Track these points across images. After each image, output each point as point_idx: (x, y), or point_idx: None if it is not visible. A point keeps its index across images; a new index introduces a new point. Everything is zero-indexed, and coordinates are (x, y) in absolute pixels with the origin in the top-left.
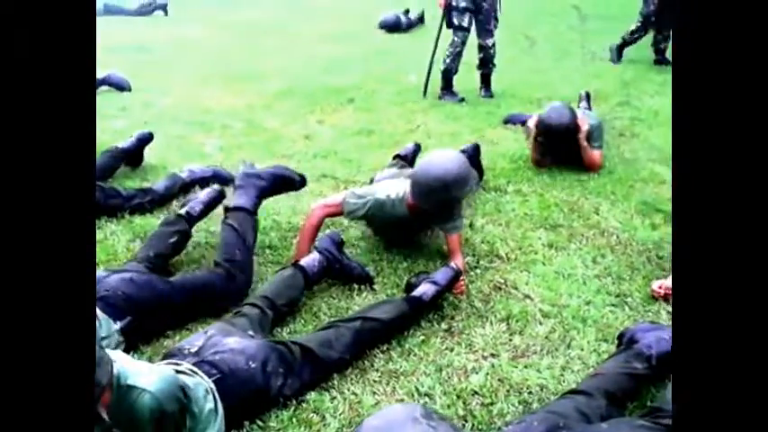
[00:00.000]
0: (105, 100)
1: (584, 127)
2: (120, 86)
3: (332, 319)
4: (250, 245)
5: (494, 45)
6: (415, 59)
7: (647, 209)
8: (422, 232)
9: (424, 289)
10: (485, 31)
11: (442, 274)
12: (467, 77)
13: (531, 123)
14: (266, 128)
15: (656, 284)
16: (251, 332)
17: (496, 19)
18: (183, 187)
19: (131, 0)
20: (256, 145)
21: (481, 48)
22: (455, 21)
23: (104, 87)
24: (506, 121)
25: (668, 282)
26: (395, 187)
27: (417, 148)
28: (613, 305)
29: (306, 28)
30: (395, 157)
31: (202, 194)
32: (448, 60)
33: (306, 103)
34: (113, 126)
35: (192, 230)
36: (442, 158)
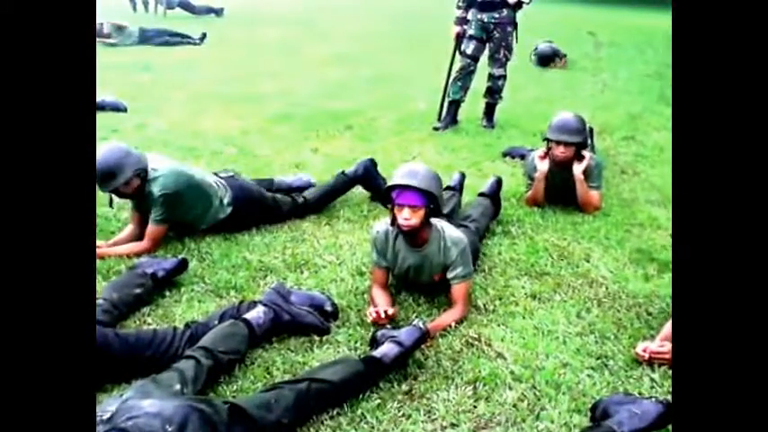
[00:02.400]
0: (98, 120)
1: (585, 161)
2: (116, 108)
3: (278, 380)
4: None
5: (503, 77)
6: (423, 84)
7: (642, 257)
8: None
9: (386, 349)
10: (494, 60)
11: (407, 334)
12: (471, 107)
13: (535, 157)
14: (257, 155)
15: (640, 347)
16: (177, 386)
17: (509, 50)
18: None
19: None
20: (244, 173)
21: (490, 77)
22: (463, 47)
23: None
24: (505, 155)
25: (654, 345)
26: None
27: (463, 178)
28: (592, 368)
29: (316, 49)
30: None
31: (166, 261)
32: (455, 88)
33: (303, 128)
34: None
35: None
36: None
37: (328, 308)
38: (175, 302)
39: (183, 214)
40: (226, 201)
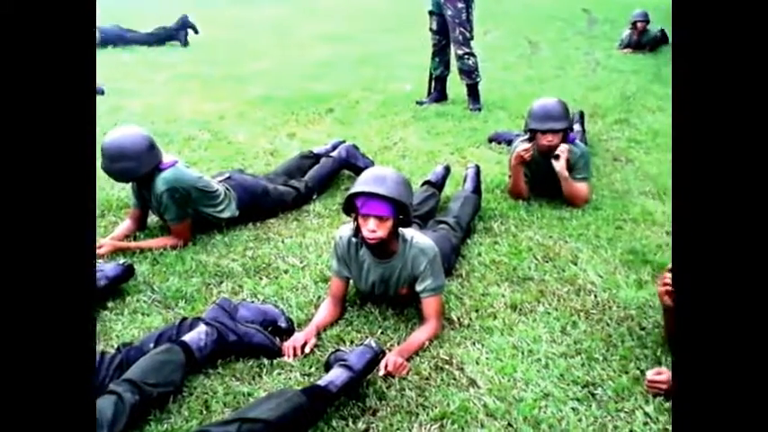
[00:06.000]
0: None
1: (564, 155)
2: None
3: (216, 416)
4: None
5: (468, 55)
6: (412, 64)
7: (635, 259)
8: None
9: (333, 376)
10: (453, 40)
11: (357, 357)
12: (459, 89)
13: (518, 144)
14: (231, 141)
15: (651, 373)
16: None
17: (465, 27)
18: None
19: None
20: (215, 160)
21: (456, 57)
22: (428, 24)
23: None
24: (491, 140)
25: (660, 370)
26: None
27: (447, 172)
28: (578, 399)
29: (306, 28)
30: (424, 184)
31: (109, 268)
32: (434, 64)
33: (282, 111)
34: None
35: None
36: None
37: (282, 324)
38: (116, 316)
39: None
40: (234, 204)
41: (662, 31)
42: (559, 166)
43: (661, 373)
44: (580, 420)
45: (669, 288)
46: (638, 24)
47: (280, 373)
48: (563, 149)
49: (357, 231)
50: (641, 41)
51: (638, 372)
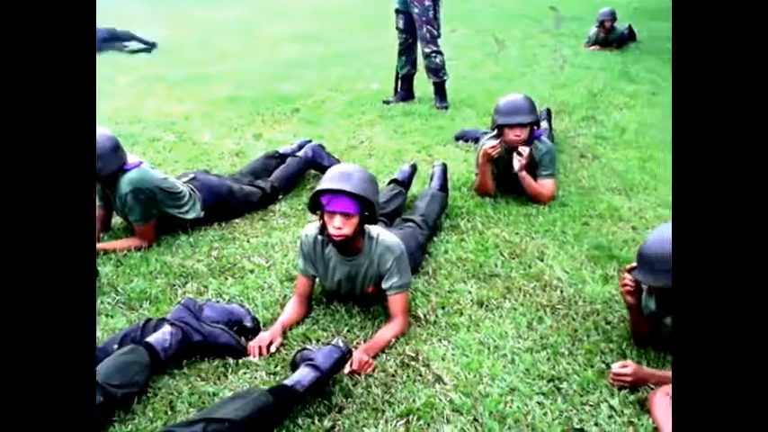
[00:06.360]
0: None
1: (525, 154)
2: None
3: (181, 416)
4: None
5: (435, 53)
6: (379, 63)
7: (601, 255)
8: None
9: (300, 375)
10: (420, 38)
11: (323, 356)
12: (426, 88)
13: (486, 141)
14: (196, 142)
15: (616, 366)
16: None
17: (432, 25)
18: None
19: None
20: (180, 162)
21: (424, 56)
22: (395, 22)
23: None
24: (458, 138)
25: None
26: None
27: (413, 170)
28: (543, 394)
29: (272, 28)
30: (390, 182)
31: None
32: (400, 63)
33: (248, 112)
34: None
35: None
36: None
37: (248, 323)
38: None
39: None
40: (199, 205)
41: (629, 28)
42: (517, 167)
43: (626, 366)
44: (545, 414)
45: (630, 288)
46: (606, 23)
47: (245, 373)
48: (525, 150)
49: (323, 229)
50: (608, 39)
51: (603, 365)
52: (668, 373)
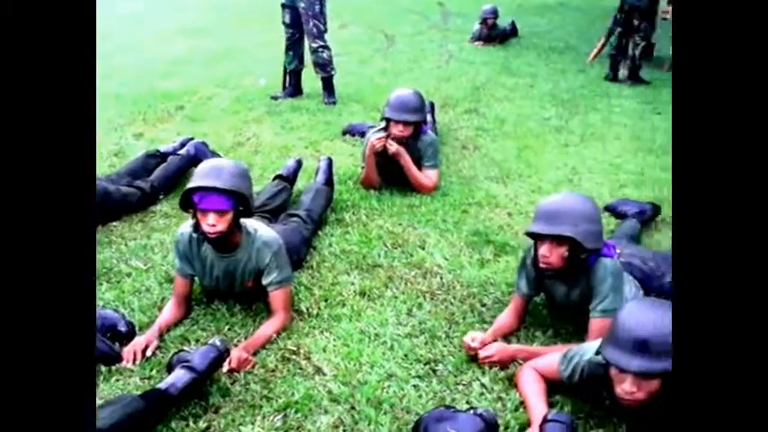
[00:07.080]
0: None
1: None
2: None
3: None
4: None
5: (322, 48)
6: (268, 59)
7: (478, 240)
8: None
9: (174, 378)
10: (307, 33)
11: (200, 357)
12: (313, 83)
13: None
14: None
15: (469, 337)
16: None
17: (318, 19)
18: None
19: None
20: None
21: (311, 51)
22: (281, 17)
23: None
24: (345, 132)
25: (485, 335)
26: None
27: (298, 165)
28: (419, 377)
29: (163, 22)
30: (275, 178)
31: None
32: (288, 58)
33: (129, 111)
34: None
35: None
36: None
37: (122, 328)
38: None
39: None
40: None
41: (512, 23)
42: (393, 147)
43: (489, 347)
44: (420, 396)
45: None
46: (488, 20)
47: (118, 380)
48: (401, 150)
49: (197, 227)
50: (491, 35)
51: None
52: (537, 348)
